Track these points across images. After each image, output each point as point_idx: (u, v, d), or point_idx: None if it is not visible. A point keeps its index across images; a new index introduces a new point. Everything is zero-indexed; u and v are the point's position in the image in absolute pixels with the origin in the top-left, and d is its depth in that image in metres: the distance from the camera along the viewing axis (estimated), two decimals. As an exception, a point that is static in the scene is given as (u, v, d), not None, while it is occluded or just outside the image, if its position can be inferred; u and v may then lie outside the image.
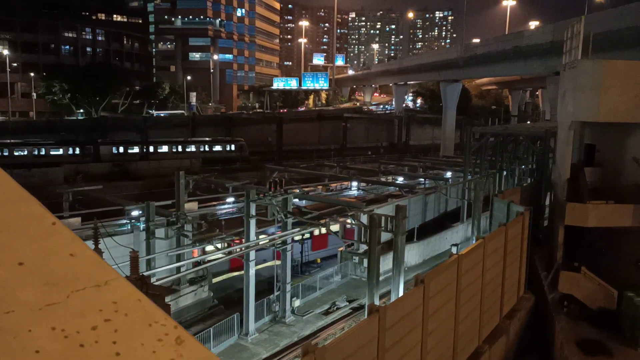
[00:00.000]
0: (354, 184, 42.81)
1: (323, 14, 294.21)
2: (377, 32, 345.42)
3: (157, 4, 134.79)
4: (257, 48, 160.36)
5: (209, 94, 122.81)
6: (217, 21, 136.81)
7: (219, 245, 23.25)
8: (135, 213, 26.16)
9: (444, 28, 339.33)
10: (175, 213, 24.65)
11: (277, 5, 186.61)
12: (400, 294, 19.21)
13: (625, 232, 23.77)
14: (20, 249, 1.15)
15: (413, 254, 32.75)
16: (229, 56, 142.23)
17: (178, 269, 22.11)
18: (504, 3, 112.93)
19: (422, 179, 42.29)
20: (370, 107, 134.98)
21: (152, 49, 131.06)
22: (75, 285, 1.14)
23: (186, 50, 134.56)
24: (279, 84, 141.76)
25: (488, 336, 19.65)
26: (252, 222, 23.10)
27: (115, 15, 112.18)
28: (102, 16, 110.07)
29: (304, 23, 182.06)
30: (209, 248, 24.22)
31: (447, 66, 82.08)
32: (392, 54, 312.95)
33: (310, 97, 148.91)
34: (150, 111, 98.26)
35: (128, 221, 26.29)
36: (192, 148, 69.79)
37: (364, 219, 21.66)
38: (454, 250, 26.47)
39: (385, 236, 21.09)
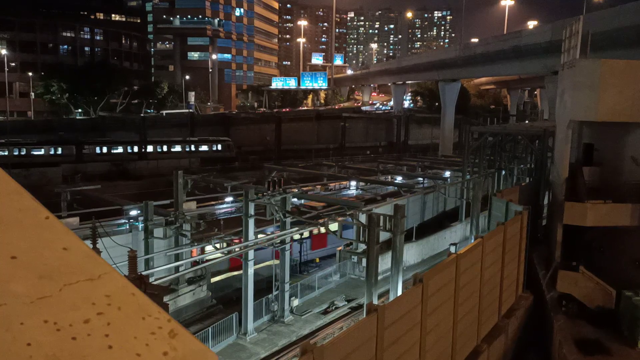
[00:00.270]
0: (353, 183, 42.82)
1: (322, 14, 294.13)
2: (376, 31, 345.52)
3: (155, 3, 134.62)
4: (256, 47, 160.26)
5: (207, 94, 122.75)
6: (216, 21, 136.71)
7: (217, 245, 23.25)
8: (133, 213, 26.14)
9: (442, 28, 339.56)
10: (174, 213, 24.63)
11: (276, 5, 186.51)
12: (399, 293, 19.21)
13: (623, 231, 23.81)
14: (13, 242, 1.15)
15: (412, 253, 32.77)
16: (227, 56, 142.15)
17: (176, 269, 22.10)
18: (503, 3, 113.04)
19: (421, 179, 42.31)
20: (364, 108, 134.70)
21: (151, 48, 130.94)
22: (68, 278, 1.13)
23: (185, 50, 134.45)
24: (277, 83, 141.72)
25: (486, 335, 19.66)
26: (251, 221, 23.09)
27: (113, 15, 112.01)
28: (100, 16, 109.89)
29: (303, 22, 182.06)
30: (208, 248, 24.21)
31: (446, 66, 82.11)
32: (391, 54, 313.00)
33: (309, 97, 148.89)
34: (161, 111, 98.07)
35: (126, 221, 26.29)
36: (178, 148, 68.83)
37: (363, 218, 21.66)
38: (452, 249, 26.46)
39: (384, 235, 21.10)
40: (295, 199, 28.27)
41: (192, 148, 69.77)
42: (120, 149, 65.54)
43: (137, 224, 25.32)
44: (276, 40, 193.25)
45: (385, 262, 25.37)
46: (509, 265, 21.84)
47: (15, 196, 1.22)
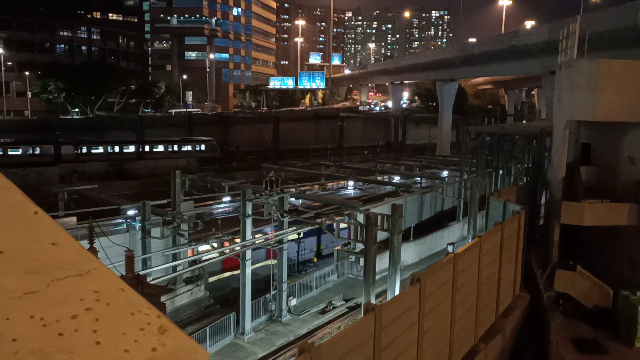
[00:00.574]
0: (351, 183, 42.84)
1: (319, 13, 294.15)
2: (374, 31, 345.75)
3: (152, 2, 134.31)
4: (254, 47, 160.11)
5: (205, 93, 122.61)
6: (213, 20, 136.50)
7: (215, 245, 23.22)
8: (131, 212, 26.09)
9: (440, 27, 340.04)
10: (171, 212, 24.59)
11: (274, 4, 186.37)
12: (397, 292, 19.21)
13: (620, 231, 23.86)
14: (0, 237, 1.13)
15: (409, 253, 32.79)
16: (225, 55, 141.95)
17: (174, 268, 22.07)
18: (500, 3, 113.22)
19: (419, 178, 42.36)
20: (361, 107, 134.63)
21: (148, 47, 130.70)
22: (56, 273, 1.12)
23: (182, 49, 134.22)
24: (275, 83, 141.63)
25: (484, 335, 19.68)
26: (249, 221, 23.08)
27: (110, 14, 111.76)
28: (97, 15, 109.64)
29: (301, 22, 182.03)
30: (205, 247, 24.18)
31: (444, 65, 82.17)
32: (389, 54, 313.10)
33: (306, 97, 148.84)
34: (169, 110, 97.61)
35: (124, 220, 26.23)
36: (160, 148, 68.02)
37: (361, 218, 21.66)
38: (450, 249, 26.48)
39: (381, 235, 21.11)
40: (293, 199, 28.27)
41: (175, 148, 68.80)
42: (100, 149, 64.27)
43: (134, 223, 25.28)
44: (274, 40, 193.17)
45: (383, 261, 25.39)
46: (507, 265, 21.87)
47: (4, 191, 1.21)
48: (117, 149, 65.41)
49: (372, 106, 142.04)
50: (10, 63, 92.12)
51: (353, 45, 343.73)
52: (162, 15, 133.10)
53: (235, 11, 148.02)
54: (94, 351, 0.98)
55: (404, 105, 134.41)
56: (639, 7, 38.89)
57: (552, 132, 29.51)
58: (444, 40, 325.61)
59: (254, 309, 23.53)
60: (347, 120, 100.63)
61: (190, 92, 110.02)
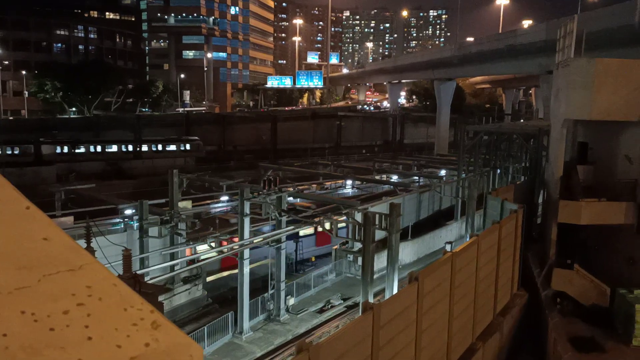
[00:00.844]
0: (349, 182, 42.84)
1: (317, 12, 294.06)
2: (372, 30, 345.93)
3: (150, 1, 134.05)
4: (251, 46, 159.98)
5: (202, 93, 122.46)
6: (211, 19, 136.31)
7: (212, 244, 23.18)
8: (128, 212, 26.04)
9: (438, 27, 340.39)
10: (169, 212, 24.54)
11: (271, 4, 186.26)
12: (395, 291, 19.23)
13: (617, 229, 23.92)
14: (-9, 232, 1.12)
15: (407, 252, 32.80)
16: (222, 54, 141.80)
17: (172, 268, 22.04)
18: (498, 2, 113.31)
19: (417, 177, 42.39)
20: (360, 107, 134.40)
21: (145, 47, 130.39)
22: (48, 269, 1.11)
23: (180, 49, 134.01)
24: (273, 82, 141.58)
25: (482, 333, 19.72)
26: (246, 220, 23.05)
27: (107, 13, 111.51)
28: (94, 14, 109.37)
29: (298, 21, 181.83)
30: (203, 247, 24.14)
31: (441, 65, 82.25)
32: (387, 53, 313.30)
33: (304, 96, 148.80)
34: (178, 108, 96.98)
35: (121, 220, 26.19)
36: (144, 148, 67.43)
37: (359, 217, 21.66)
38: (448, 248, 26.51)
39: (379, 234, 21.11)
40: (290, 198, 28.25)
41: (160, 148, 68.08)
42: (82, 149, 63.20)
43: (132, 223, 25.24)
44: (272, 39, 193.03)
45: (381, 260, 25.40)
46: (504, 264, 21.91)
47: (-6, 185, 1.19)
48: (99, 148, 64.20)
49: (365, 106, 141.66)
50: (6, 62, 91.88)
51: (351, 45, 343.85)
52: (159, 14, 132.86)
53: (232, 10, 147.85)
54: (86, 347, 0.97)
55: (404, 104, 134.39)
56: (635, 6, 38.97)
57: (550, 131, 29.57)
58: (442, 39, 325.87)
59: (252, 308, 23.52)
60: (345, 120, 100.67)
61: (188, 92, 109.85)
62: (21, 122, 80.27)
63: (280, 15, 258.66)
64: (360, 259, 20.91)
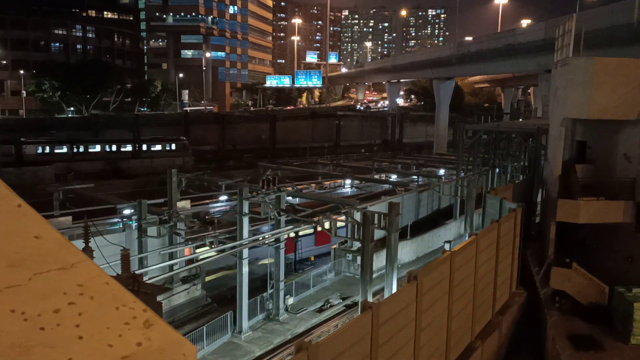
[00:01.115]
0: (348, 181, 42.82)
1: (316, 12, 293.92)
2: (370, 29, 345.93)
3: (148, 0, 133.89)
4: (250, 46, 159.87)
5: (201, 92, 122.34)
6: (210, 18, 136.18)
7: (212, 244, 23.15)
8: (127, 212, 26.01)
9: (436, 26, 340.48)
10: (168, 211, 24.51)
11: (270, 3, 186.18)
12: (394, 290, 19.23)
13: (616, 228, 23.94)
14: (-19, 230, 1.10)
15: (406, 251, 32.81)
16: (221, 54, 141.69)
17: (170, 267, 22.01)
18: (497, 1, 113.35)
19: (416, 177, 42.37)
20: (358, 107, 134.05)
21: (144, 46, 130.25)
22: (39, 267, 1.09)
23: (178, 48, 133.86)
24: (272, 81, 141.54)
25: (481, 332, 19.73)
26: (245, 220, 23.03)
27: (106, 12, 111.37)
28: (92, 13, 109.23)
29: (297, 21, 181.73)
30: (202, 247, 24.13)
31: (440, 64, 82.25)
32: (385, 52, 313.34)
33: (303, 95, 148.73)
34: (185, 108, 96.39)
35: (120, 220, 26.15)
36: (128, 148, 65.99)
37: (358, 216, 21.66)
38: (446, 247, 26.53)
39: (378, 233, 21.11)
40: (289, 198, 28.22)
41: (144, 148, 66.61)
42: (64, 149, 61.65)
43: (130, 222, 25.20)
44: (270, 39, 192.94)
45: (380, 259, 25.40)
46: (503, 262, 21.92)
47: (-16, 183, 1.18)
48: (82, 148, 62.54)
49: (358, 105, 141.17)
50: (4, 61, 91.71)
51: (350, 44, 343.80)
52: (157, 14, 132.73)
53: (231, 9, 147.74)
54: (76, 346, 0.96)
55: (401, 104, 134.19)
56: (633, 5, 39.00)
57: (548, 130, 29.58)
58: (441, 38, 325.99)
59: (251, 308, 23.50)
60: (344, 119, 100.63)
61: (187, 91, 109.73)
62: (19, 121, 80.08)
63: (279, 15, 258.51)
64: (359, 258, 20.92)
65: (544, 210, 30.05)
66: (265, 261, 27.84)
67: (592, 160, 26.81)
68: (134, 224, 24.61)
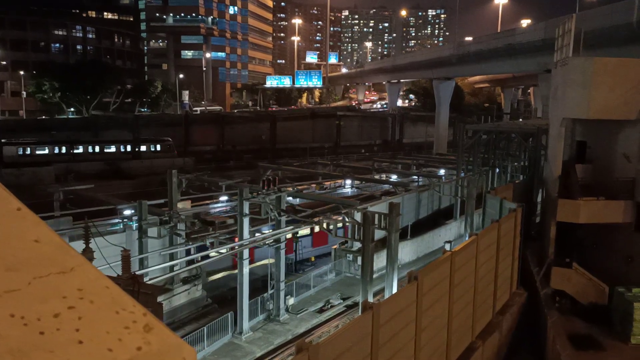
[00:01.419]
0: (348, 182, 42.81)
1: (316, 12, 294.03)
2: (370, 30, 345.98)
3: (148, 1, 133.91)
4: (250, 46, 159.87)
5: (201, 93, 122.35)
6: (210, 19, 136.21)
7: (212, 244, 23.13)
8: (127, 212, 25.99)
9: (436, 26, 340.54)
10: (168, 212, 24.51)
11: (270, 3, 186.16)
12: (394, 291, 19.23)
13: (615, 227, 23.94)
14: (-20, 234, 1.10)
15: (407, 251, 32.81)
16: (221, 54, 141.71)
17: (171, 268, 22.01)
18: (496, 1, 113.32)
19: (416, 177, 42.37)
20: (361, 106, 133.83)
21: (144, 46, 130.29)
22: (38, 271, 1.09)
23: (178, 48, 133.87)
24: (272, 82, 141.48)
25: (481, 332, 19.73)
26: (246, 220, 23.03)
27: (106, 13, 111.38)
28: (92, 14, 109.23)
29: (297, 21, 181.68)
30: (203, 247, 24.11)
31: (440, 64, 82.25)
32: (385, 52, 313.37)
33: (303, 95, 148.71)
34: (194, 108, 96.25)
35: (120, 220, 26.14)
36: (112, 149, 65.55)
37: (358, 216, 21.65)
38: (447, 247, 26.53)
39: (379, 234, 21.11)
40: (290, 198, 28.21)
41: (128, 149, 66.29)
42: (46, 150, 61.00)
43: (131, 223, 25.19)
44: (270, 39, 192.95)
45: (380, 260, 25.40)
46: (503, 262, 21.92)
47: (-17, 186, 1.18)
48: (64, 149, 61.94)
49: (358, 105, 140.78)
50: (4, 62, 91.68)
51: (350, 44, 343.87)
52: (157, 14, 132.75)
53: (231, 10, 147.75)
54: (76, 350, 0.96)
55: (399, 103, 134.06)
56: (633, 5, 39.00)
57: (548, 130, 29.58)
58: (441, 38, 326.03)
59: (251, 308, 23.49)
60: (344, 119, 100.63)
61: (187, 92, 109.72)
62: (19, 122, 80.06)
63: (279, 15, 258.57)
64: (359, 259, 20.91)
65: (544, 210, 30.05)
66: (266, 262, 27.84)
67: (592, 160, 26.83)
68: (135, 225, 24.60)
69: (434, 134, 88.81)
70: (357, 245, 24.57)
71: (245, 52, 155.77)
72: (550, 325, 21.10)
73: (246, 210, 23.04)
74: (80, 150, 63.41)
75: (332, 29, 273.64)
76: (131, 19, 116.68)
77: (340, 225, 22.70)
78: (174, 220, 23.87)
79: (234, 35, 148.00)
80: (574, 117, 26.54)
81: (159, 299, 17.84)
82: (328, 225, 21.94)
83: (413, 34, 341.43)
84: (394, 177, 43.27)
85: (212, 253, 22.22)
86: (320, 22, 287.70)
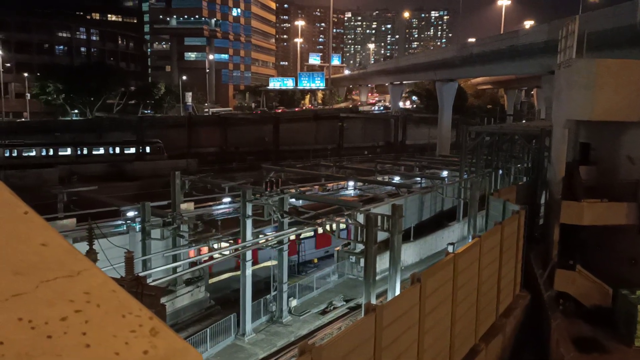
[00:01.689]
0: (351, 183, 42.79)
1: (319, 14, 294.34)
2: (373, 31, 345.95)
3: (152, 3, 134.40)
4: (253, 48, 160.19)
5: (204, 94, 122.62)
6: (213, 21, 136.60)
7: (215, 246, 23.20)
8: (130, 214, 26.06)
9: (439, 28, 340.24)
10: (171, 213, 24.56)
11: (273, 5, 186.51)
12: (397, 293, 19.20)
13: (619, 230, 23.84)
14: (-12, 237, 1.11)
15: (410, 253, 32.77)
16: (224, 56, 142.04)
17: (174, 270, 22.04)
18: (499, 3, 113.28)
19: (419, 178, 42.32)
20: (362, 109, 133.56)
21: (148, 48, 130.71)
22: (45, 275, 1.10)
23: (182, 50, 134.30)
24: (275, 83, 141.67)
25: (484, 334, 19.67)
26: (249, 222, 23.05)
27: (109, 15, 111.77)
28: (96, 16, 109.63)
29: (300, 23, 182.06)
30: (206, 248, 24.15)
31: (443, 65, 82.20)
32: (388, 54, 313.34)
33: (306, 97, 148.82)
34: (207, 109, 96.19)
35: (124, 222, 26.20)
36: (101, 151, 64.95)
37: (361, 218, 21.64)
38: (450, 249, 26.48)
39: (382, 235, 21.09)
40: (293, 200, 28.22)
41: (117, 151, 65.61)
42: (33, 152, 60.68)
43: (134, 225, 25.25)
44: (273, 41, 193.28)
45: (383, 262, 25.37)
46: (507, 265, 21.86)
47: (-9, 190, 1.19)
48: (51, 152, 61.62)
49: (358, 105, 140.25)
50: (9, 64, 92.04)
51: (353, 46, 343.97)
52: (161, 16, 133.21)
53: (234, 12, 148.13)
54: (83, 354, 0.97)
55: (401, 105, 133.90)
56: (637, 6, 38.90)
57: (552, 132, 29.51)
58: (444, 40, 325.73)
59: (254, 310, 23.50)
60: (347, 121, 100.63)
61: (190, 93, 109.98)
62: (22, 124, 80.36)
63: (282, 17, 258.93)
64: (362, 261, 20.91)
65: (547, 212, 29.96)
66: (268, 263, 27.85)
67: (595, 162, 26.74)
68: (138, 226, 24.66)
69: (437, 136, 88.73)
70: (360, 247, 24.57)
71: (248, 54, 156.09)
72: (554, 327, 21.02)
73: (249, 211, 23.07)
74: (69, 152, 62.94)
75: (335, 30, 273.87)
76: (135, 21, 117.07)
77: (343, 226, 22.68)
78: (177, 221, 23.92)
79: (237, 37, 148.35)
80: (578, 119, 26.46)
81: (162, 300, 17.87)
82: (331, 227, 21.94)
83: (416, 36, 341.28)
84: (396, 179, 43.23)
85: (216, 255, 22.26)
86: (323, 24, 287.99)
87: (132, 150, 66.76)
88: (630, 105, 23.39)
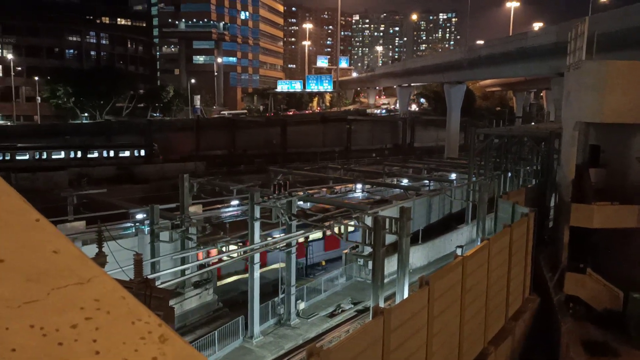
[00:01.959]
0: (359, 186, 42.72)
1: (327, 16, 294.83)
2: (381, 34, 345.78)
3: (161, 7, 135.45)
4: (261, 51, 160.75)
5: (213, 97, 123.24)
6: (221, 24, 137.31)
7: (223, 248, 23.29)
8: (139, 216, 26.23)
9: (447, 30, 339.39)
10: (180, 216, 24.67)
11: (281, 8, 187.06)
12: (405, 295, 19.13)
13: (630, 232, 23.61)
14: (0, 245, 1.13)
15: (418, 255, 32.64)
16: (233, 59, 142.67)
17: (183, 272, 22.13)
18: (508, 4, 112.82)
19: (427, 181, 42.17)
20: (376, 111, 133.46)
21: (156, 52, 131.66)
22: (56, 282, 1.12)
23: (190, 54, 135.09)
24: (283, 86, 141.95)
25: (494, 337, 19.54)
26: (257, 224, 23.10)
27: (119, 19, 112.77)
28: (106, 20, 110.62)
29: (308, 25, 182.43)
30: (214, 251, 24.24)
31: (451, 68, 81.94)
32: (396, 56, 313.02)
33: (314, 100, 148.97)
34: (222, 112, 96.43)
35: (133, 224, 26.37)
36: (95, 154, 64.77)
37: (369, 221, 21.61)
38: (458, 251, 26.34)
39: (390, 238, 21.04)
40: (301, 202, 28.25)
41: (112, 154, 65.64)
42: (27, 156, 60.63)
43: (143, 227, 25.40)
44: (281, 44, 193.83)
45: (391, 264, 25.29)
46: (516, 268, 21.71)
47: (3, 197, 1.21)
48: (44, 155, 61.33)
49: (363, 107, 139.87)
50: (19, 68, 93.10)
51: (360, 48, 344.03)
52: (170, 20, 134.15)
53: (242, 15, 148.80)
54: (94, 361, 0.98)
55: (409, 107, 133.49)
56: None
57: (561, 134, 29.31)
58: (452, 42, 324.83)
59: (262, 313, 23.53)
60: (355, 123, 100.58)
61: (198, 96, 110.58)
62: (33, 127, 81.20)
63: (289, 20, 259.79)
64: (370, 263, 20.86)
65: (557, 214, 29.73)
66: (276, 266, 27.86)
67: (605, 164, 26.51)
68: (147, 229, 24.80)
69: (445, 138, 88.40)
70: (368, 249, 24.51)
71: (256, 57, 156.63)
72: (564, 331, 20.83)
73: (257, 214, 23.12)
74: (62, 155, 62.84)
75: (342, 33, 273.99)
76: (144, 25, 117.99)
77: (351, 229, 22.65)
78: (186, 224, 24.02)
79: (245, 40, 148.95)
80: (588, 121, 26.25)
81: (171, 302, 17.95)
82: (339, 229, 21.92)
83: (424, 38, 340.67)
84: (405, 181, 43.10)
85: (224, 257, 22.32)
86: (331, 27, 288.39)
87: (127, 153, 66.51)
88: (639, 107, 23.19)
